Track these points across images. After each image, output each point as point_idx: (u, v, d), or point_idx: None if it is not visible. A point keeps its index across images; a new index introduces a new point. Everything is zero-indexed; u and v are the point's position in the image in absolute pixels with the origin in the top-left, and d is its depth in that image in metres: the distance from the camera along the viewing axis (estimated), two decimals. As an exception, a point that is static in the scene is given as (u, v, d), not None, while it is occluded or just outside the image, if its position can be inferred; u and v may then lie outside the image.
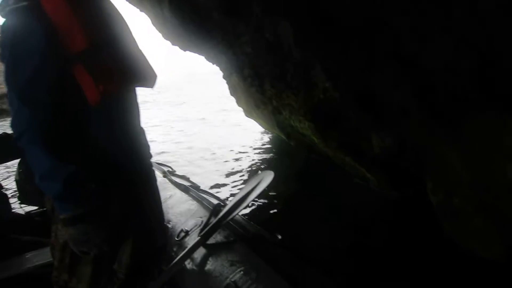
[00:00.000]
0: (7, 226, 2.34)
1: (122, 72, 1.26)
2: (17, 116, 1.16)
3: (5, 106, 23.13)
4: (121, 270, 1.38)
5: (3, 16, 1.21)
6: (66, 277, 1.35)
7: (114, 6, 1.39)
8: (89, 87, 1.18)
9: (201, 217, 2.12)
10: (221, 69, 6.68)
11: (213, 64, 6.56)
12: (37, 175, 1.17)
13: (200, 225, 1.98)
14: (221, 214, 1.84)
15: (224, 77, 7.02)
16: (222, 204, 2.15)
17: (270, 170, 1.96)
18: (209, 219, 1.93)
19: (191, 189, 2.73)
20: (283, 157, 6.51)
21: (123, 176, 1.36)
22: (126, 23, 1.40)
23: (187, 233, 2.01)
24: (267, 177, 1.88)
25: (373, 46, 2.39)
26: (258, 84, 5.18)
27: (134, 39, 1.40)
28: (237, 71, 5.57)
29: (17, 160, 1.82)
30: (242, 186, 5.16)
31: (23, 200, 2.44)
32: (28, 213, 2.65)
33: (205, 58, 6.42)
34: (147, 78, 1.39)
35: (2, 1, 1.21)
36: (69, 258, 1.34)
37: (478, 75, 2.19)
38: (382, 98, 2.38)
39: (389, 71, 2.32)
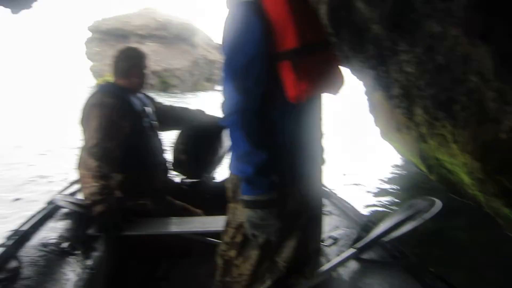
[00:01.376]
0: (165, 190, 2.53)
1: (322, 76, 1.33)
2: (228, 100, 1.28)
3: (174, 82, 26.55)
4: (282, 262, 1.42)
5: (229, 8, 1.33)
6: (233, 254, 1.44)
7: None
8: (291, 84, 1.25)
9: (348, 228, 2.13)
10: (363, 84, 6.36)
11: (356, 78, 6.26)
12: (235, 155, 1.30)
13: (350, 236, 1.99)
14: (379, 231, 1.81)
15: (366, 93, 6.68)
16: (373, 220, 2.12)
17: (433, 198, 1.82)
18: (361, 233, 1.94)
19: (331, 194, 2.62)
20: (417, 190, 5.94)
21: (300, 173, 1.41)
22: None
23: (335, 240, 2.01)
24: (435, 206, 1.77)
25: None
26: (405, 107, 4.77)
27: None
28: (383, 89, 5.22)
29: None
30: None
31: (176, 168, 2.74)
32: (181, 181, 2.85)
33: (350, 70, 6.15)
34: (338, 85, 1.44)
35: None
36: (241, 237, 1.42)
37: None
38: None
39: None
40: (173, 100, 19.78)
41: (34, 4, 6.03)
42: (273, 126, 1.33)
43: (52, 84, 27.92)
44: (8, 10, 5.78)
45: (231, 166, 1.36)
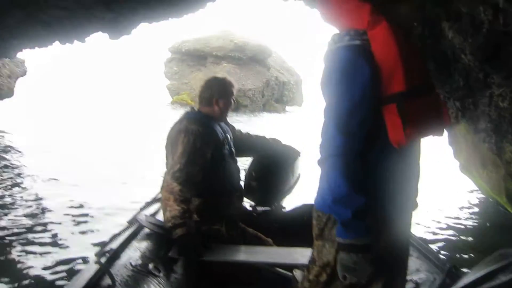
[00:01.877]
0: (238, 216, 2.57)
1: (427, 119, 1.31)
2: (329, 142, 1.27)
3: (245, 102, 27.39)
4: None
5: (332, 50, 1.34)
6: None
7: None
8: (395, 128, 1.25)
9: (429, 272, 2.06)
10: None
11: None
12: (330, 197, 1.26)
13: (433, 282, 1.94)
14: (468, 281, 1.68)
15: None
16: (456, 266, 2.03)
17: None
18: (444, 279, 1.88)
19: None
20: (500, 231, 5.43)
21: (392, 216, 1.38)
22: None
23: (417, 285, 1.96)
24: None
25: None
26: (494, 142, 4.43)
27: None
28: (469, 121, 4.90)
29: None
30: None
31: (247, 194, 2.75)
32: (252, 208, 2.87)
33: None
34: (442, 127, 1.42)
35: (336, 37, 1.35)
36: (326, 277, 1.40)
37: None
38: None
39: None
40: (243, 119, 20.26)
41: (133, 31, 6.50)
42: (370, 166, 1.31)
43: (131, 101, 29.89)
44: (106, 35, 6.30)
45: (319, 204, 1.35)
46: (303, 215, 2.55)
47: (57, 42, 6.86)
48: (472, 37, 3.51)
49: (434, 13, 3.99)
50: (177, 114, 2.61)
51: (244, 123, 18.34)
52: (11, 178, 6.38)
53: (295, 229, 2.51)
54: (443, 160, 7.98)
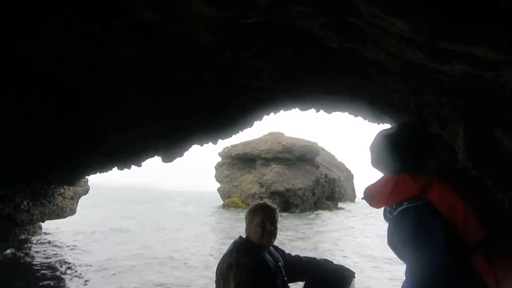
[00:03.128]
0: None
1: None
2: None
3: (295, 202, 27.37)
4: None
5: (395, 216, 1.37)
6: None
7: None
8: (489, 276, 1.21)
9: None
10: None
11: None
12: None
13: None
14: None
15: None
16: None
17: None
18: None
19: None
20: None
21: None
22: None
23: None
24: None
25: None
26: None
27: None
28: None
29: None
30: None
31: None
32: None
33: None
34: None
35: (394, 205, 1.38)
36: None
37: None
38: None
39: None
40: (293, 220, 19.75)
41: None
42: None
43: (185, 206, 30.64)
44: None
45: None
46: None
47: (115, 168, 7.38)
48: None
49: (484, 119, 3.88)
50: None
51: (295, 222, 17.81)
52: None
53: None
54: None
